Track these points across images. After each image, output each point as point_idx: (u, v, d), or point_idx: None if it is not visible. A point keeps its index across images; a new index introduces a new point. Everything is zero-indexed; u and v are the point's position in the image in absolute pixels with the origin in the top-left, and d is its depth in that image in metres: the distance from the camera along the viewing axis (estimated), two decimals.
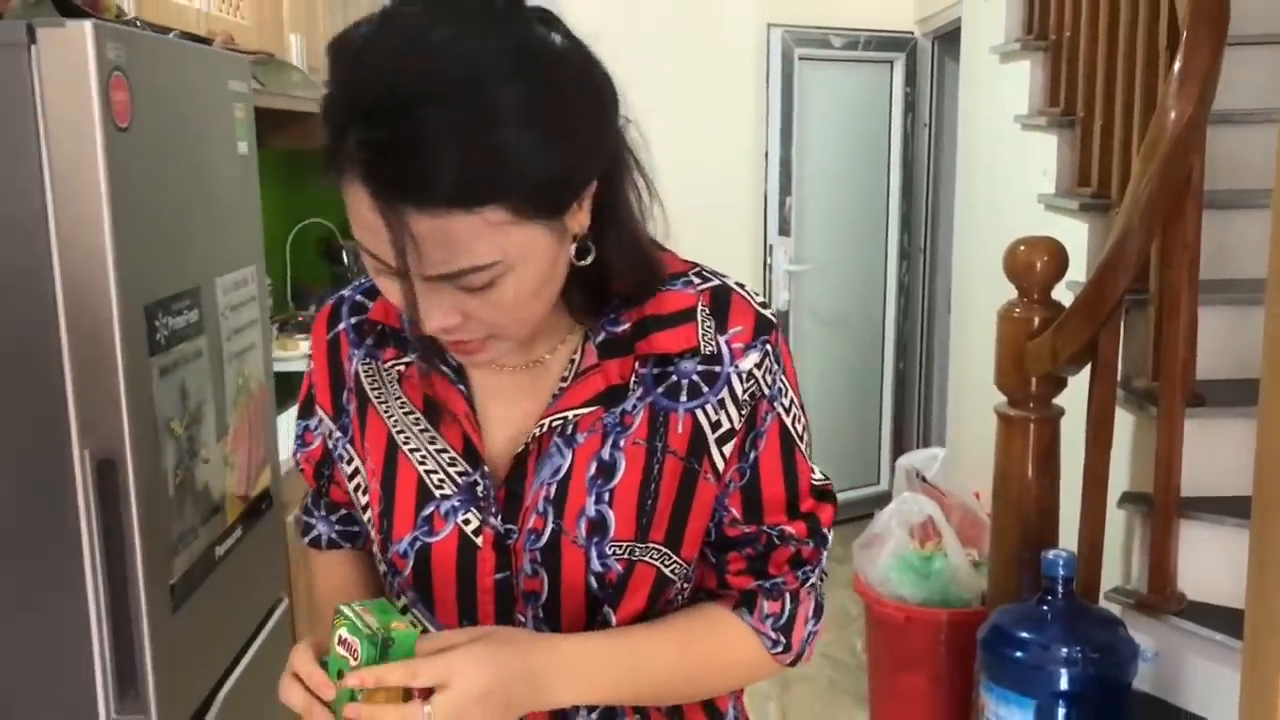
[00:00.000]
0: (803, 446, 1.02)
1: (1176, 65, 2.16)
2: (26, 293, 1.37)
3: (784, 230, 4.60)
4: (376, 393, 1.03)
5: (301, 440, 1.12)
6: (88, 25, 1.32)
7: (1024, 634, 2.09)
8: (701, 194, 4.55)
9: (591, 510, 0.97)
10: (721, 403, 0.98)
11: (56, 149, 1.33)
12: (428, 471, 0.99)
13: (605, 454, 0.97)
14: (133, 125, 1.40)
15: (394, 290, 0.87)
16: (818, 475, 1.04)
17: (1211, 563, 2.27)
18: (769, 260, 4.59)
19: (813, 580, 1.05)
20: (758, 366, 0.98)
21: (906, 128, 4.77)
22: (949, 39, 4.41)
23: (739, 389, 0.98)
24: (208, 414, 1.64)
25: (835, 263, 4.78)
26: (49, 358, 1.37)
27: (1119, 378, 2.44)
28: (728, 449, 0.99)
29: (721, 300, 0.99)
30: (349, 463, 1.05)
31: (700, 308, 0.98)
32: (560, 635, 0.97)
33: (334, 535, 1.14)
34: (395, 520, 1.00)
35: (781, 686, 3.39)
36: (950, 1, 4.08)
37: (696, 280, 1.00)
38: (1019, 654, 2.08)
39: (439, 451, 1.00)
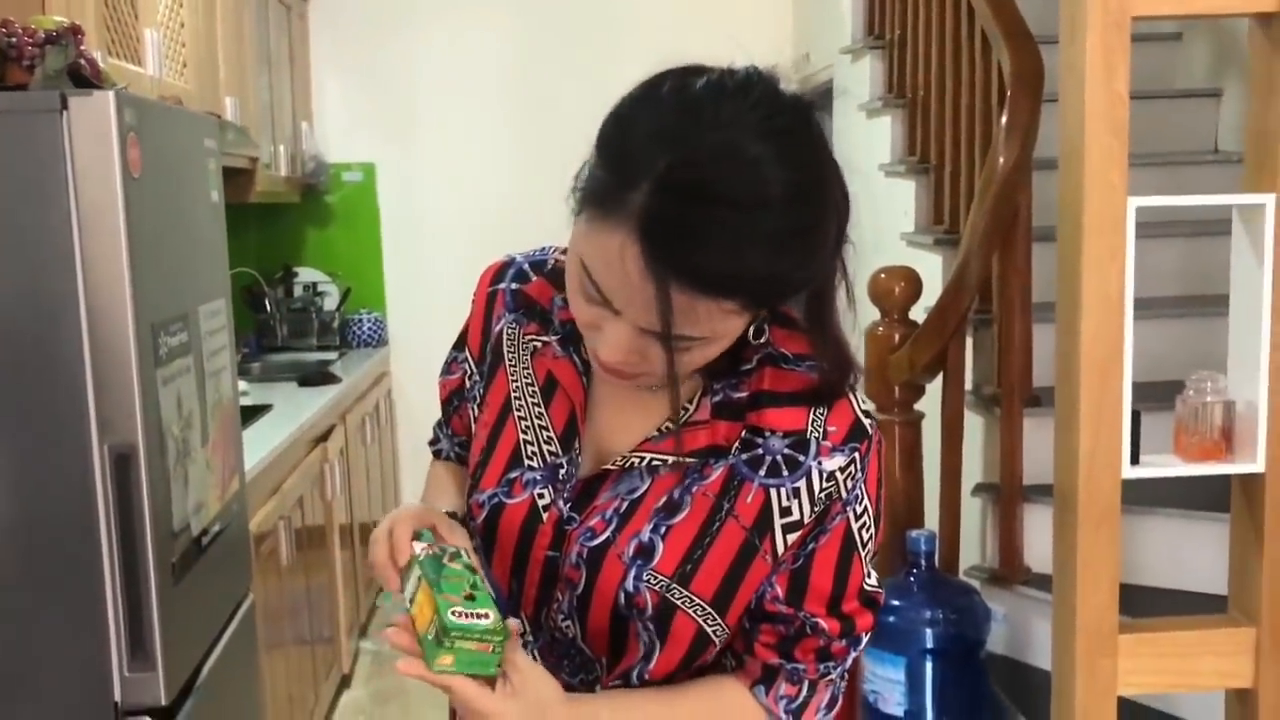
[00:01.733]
0: (863, 552, 1.02)
1: (1004, 119, 2.56)
2: (56, 312, 1.62)
3: None
4: (510, 356, 1.10)
5: (447, 368, 1.20)
6: (111, 95, 1.61)
7: (894, 602, 2.42)
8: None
9: (645, 536, 1.00)
10: (796, 492, 0.99)
11: (83, 195, 1.61)
12: (525, 440, 1.06)
13: (676, 494, 1.00)
14: (142, 176, 1.68)
15: (588, 314, 0.93)
16: (871, 582, 1.04)
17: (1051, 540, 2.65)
18: None
19: (833, 676, 1.06)
20: (841, 470, 0.99)
21: None
22: (825, 95, 4.82)
23: (817, 486, 0.99)
24: (195, 422, 1.91)
25: None
26: (74, 367, 1.63)
27: (970, 386, 2.83)
28: (792, 538, 1.00)
29: (832, 394, 1.01)
30: (478, 404, 1.12)
31: (813, 408, 1.00)
32: (594, 697, 1.03)
33: (455, 453, 1.23)
34: (486, 473, 1.07)
35: None
36: (824, 64, 4.50)
37: (815, 370, 1.01)
38: (890, 619, 2.42)
39: (541, 427, 1.06)
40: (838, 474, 0.98)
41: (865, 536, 1.02)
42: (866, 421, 1.01)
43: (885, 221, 3.63)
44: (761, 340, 1.00)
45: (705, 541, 1.00)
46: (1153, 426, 1.72)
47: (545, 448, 1.06)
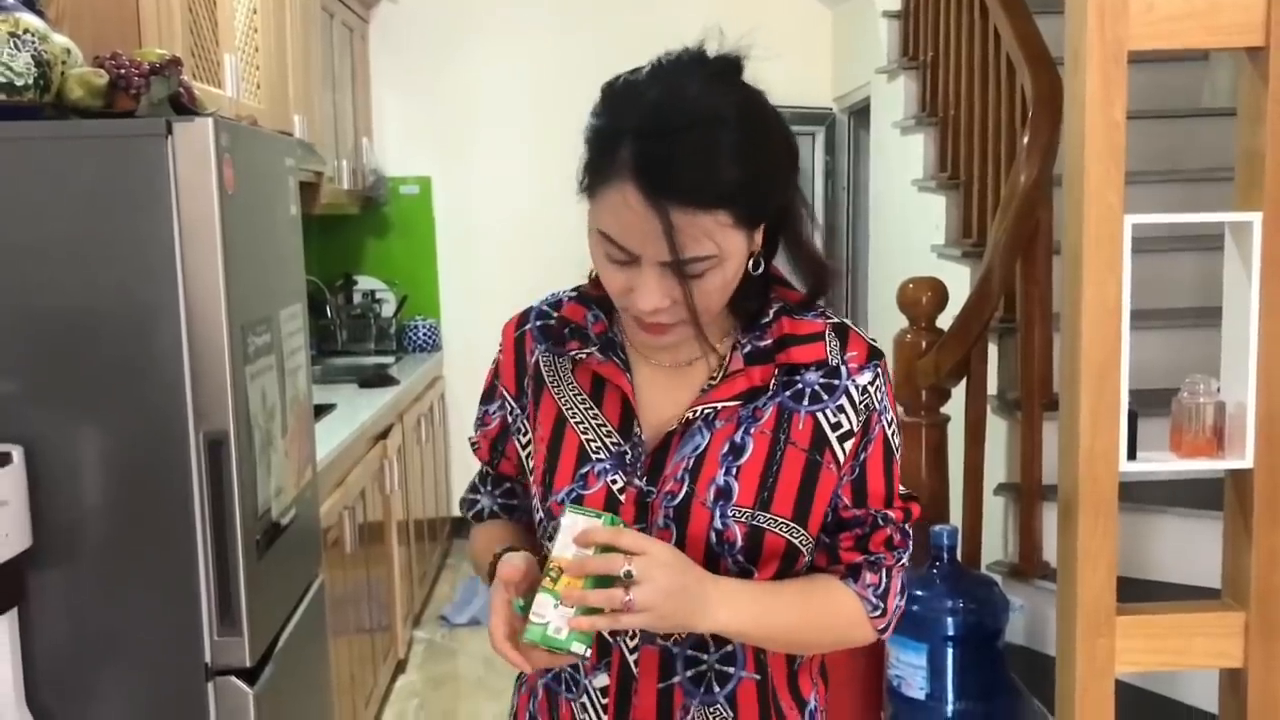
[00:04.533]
0: (898, 457, 1.25)
1: (1025, 138, 2.72)
2: (159, 313, 1.82)
3: None
4: (552, 379, 1.26)
5: (481, 421, 1.35)
6: (210, 121, 1.81)
7: (918, 592, 2.58)
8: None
9: (720, 480, 1.16)
10: (840, 408, 1.19)
11: (184, 209, 1.81)
12: (587, 440, 1.21)
13: (737, 438, 1.18)
14: (235, 192, 1.88)
15: (619, 279, 1.11)
16: (903, 488, 1.26)
17: None
18: None
19: (904, 561, 1.25)
20: (870, 384, 1.21)
21: (827, 191, 5.27)
22: (862, 113, 4.94)
23: (856, 398, 1.20)
24: (276, 415, 2.11)
25: None
26: (174, 362, 1.83)
27: (995, 391, 2.99)
28: (848, 445, 1.20)
29: (842, 331, 1.23)
30: (524, 435, 1.28)
31: (827, 332, 1.21)
32: (722, 578, 1.15)
33: (495, 507, 1.36)
34: (557, 475, 1.21)
35: None
36: (861, 83, 4.65)
37: (822, 316, 1.24)
38: (914, 608, 2.57)
39: (599, 426, 1.21)
40: (869, 388, 1.20)
41: (896, 442, 1.24)
42: (876, 344, 1.23)
43: (917, 234, 3.78)
44: (760, 270, 1.16)
45: (774, 470, 1.17)
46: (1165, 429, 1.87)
47: (607, 440, 1.20)
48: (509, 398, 1.30)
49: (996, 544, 2.93)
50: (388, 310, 4.94)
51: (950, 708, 2.52)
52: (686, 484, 1.17)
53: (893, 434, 1.24)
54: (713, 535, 1.16)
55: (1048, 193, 2.72)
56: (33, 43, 1.84)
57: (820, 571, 1.24)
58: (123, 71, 1.95)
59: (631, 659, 1.20)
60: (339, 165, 4.26)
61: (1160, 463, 1.87)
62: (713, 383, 1.20)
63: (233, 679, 1.90)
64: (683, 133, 1.03)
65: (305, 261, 2.34)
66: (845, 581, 1.22)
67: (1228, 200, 1.89)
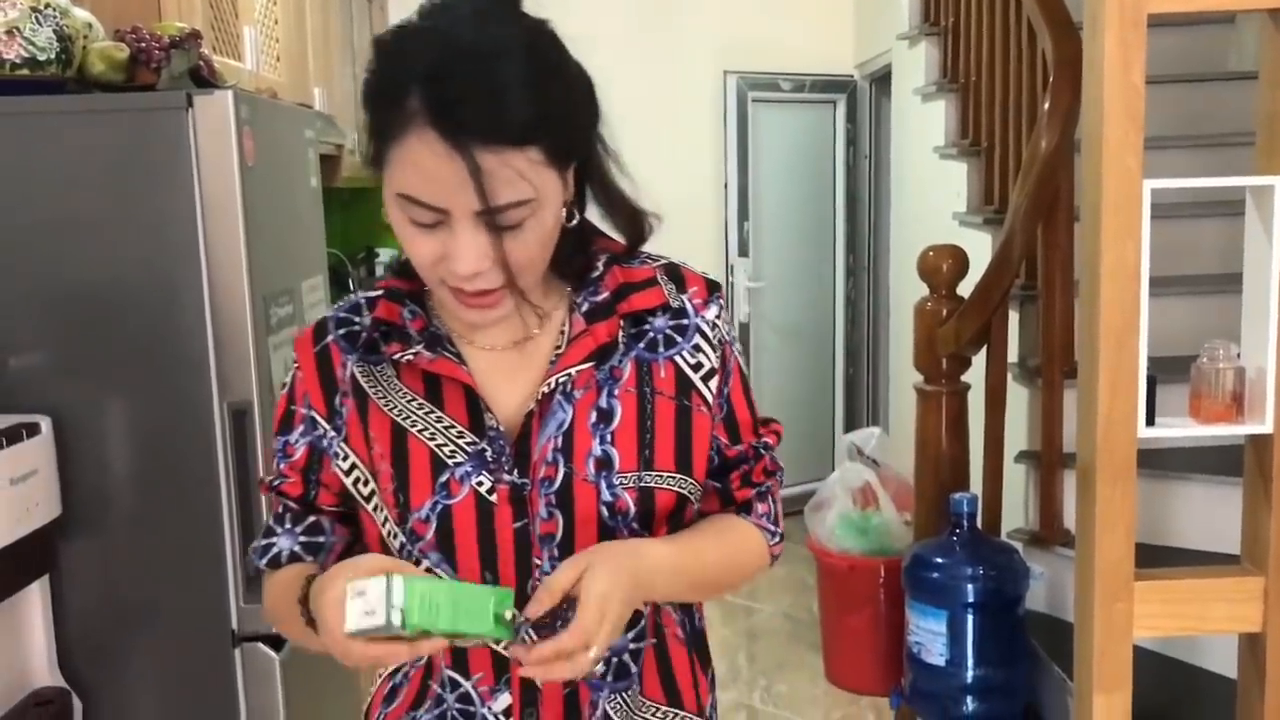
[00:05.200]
0: (750, 384, 1.23)
1: (1046, 103, 2.70)
2: (182, 285, 1.85)
3: (743, 251, 5.03)
4: (375, 390, 1.12)
5: (284, 454, 1.17)
6: (229, 94, 1.82)
7: (938, 559, 2.60)
8: (668, 220, 5.08)
9: (597, 450, 1.09)
10: (697, 347, 1.15)
11: (206, 181, 1.83)
12: (438, 445, 1.09)
13: (603, 402, 1.11)
14: (255, 165, 1.90)
15: (429, 246, 1.00)
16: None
17: None
18: (730, 279, 5.02)
19: (782, 481, 1.25)
20: (717, 317, 1.17)
21: (849, 159, 5.24)
22: (883, 81, 4.90)
23: (709, 334, 1.16)
24: None
25: (789, 280, 5.20)
26: (198, 333, 1.86)
27: (1016, 358, 2.98)
28: (713, 384, 1.16)
29: (674, 271, 1.18)
30: (344, 459, 1.13)
31: (659, 275, 1.17)
32: (643, 541, 1.09)
33: (296, 548, 1.17)
34: (412, 492, 1.08)
35: (749, 638, 3.89)
36: (883, 49, 4.62)
37: (649, 261, 1.19)
38: (934, 575, 2.59)
39: (446, 428, 1.10)
40: (717, 321, 1.17)
41: (747, 370, 1.22)
42: (711, 276, 1.20)
43: (939, 201, 3.77)
44: (575, 221, 1.09)
45: (649, 425, 1.12)
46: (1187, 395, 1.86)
47: (460, 442, 1.09)
48: (320, 419, 1.15)
49: (1017, 511, 2.93)
50: None
51: (970, 674, 2.54)
52: (562, 465, 1.09)
53: (744, 363, 1.22)
54: (604, 510, 1.09)
55: (1069, 158, 2.70)
56: (55, 17, 1.86)
57: (712, 514, 1.21)
58: (143, 45, 1.96)
59: None
60: (359, 138, 4.27)
61: (1179, 429, 1.86)
62: (559, 351, 1.12)
63: (259, 645, 1.94)
64: (472, 69, 0.96)
65: (327, 234, 2.35)
66: (741, 516, 1.21)
67: (1253, 165, 1.87)
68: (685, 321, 1.16)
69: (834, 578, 3.32)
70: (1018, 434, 2.92)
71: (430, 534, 1.08)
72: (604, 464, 1.10)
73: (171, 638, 1.94)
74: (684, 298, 1.16)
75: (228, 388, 1.88)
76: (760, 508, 1.22)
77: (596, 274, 1.14)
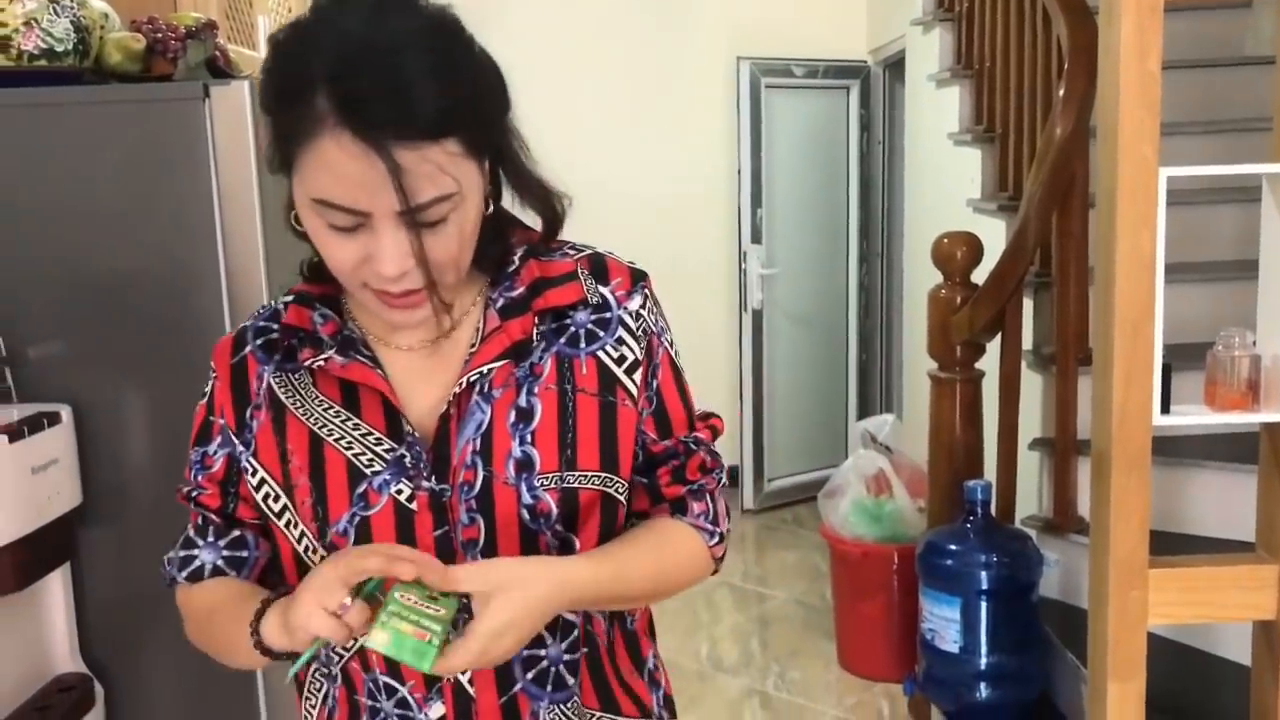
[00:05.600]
0: (685, 376, 1.18)
1: (1061, 90, 2.69)
2: (200, 274, 1.86)
3: (756, 238, 5.01)
4: (291, 400, 1.09)
5: (202, 465, 1.15)
6: (246, 83, 1.83)
7: (951, 546, 2.60)
8: (682, 207, 5.11)
9: (517, 451, 1.05)
10: (620, 340, 1.11)
11: (223, 171, 1.84)
12: (355, 455, 1.06)
13: (522, 401, 1.07)
14: None
15: (349, 250, 0.96)
16: (698, 406, 1.19)
17: None
18: (744, 265, 5.01)
19: (722, 480, 1.18)
20: (642, 307, 1.13)
21: (862, 145, 5.22)
22: (897, 67, 4.89)
23: (633, 326, 1.12)
24: None
25: (802, 266, 5.19)
26: (214, 321, 1.87)
27: (1031, 346, 2.98)
28: (637, 377, 1.12)
29: (598, 262, 1.14)
30: (254, 474, 1.10)
31: (579, 270, 1.12)
32: (562, 563, 1.03)
33: (219, 562, 1.14)
34: (330, 504, 1.05)
35: (762, 625, 3.90)
36: (896, 35, 4.60)
37: (571, 251, 1.14)
38: (948, 562, 2.60)
39: (363, 435, 1.06)
40: (641, 311, 1.12)
41: (680, 363, 1.17)
42: (637, 266, 1.16)
43: (953, 188, 3.76)
44: (491, 209, 1.05)
45: (570, 424, 1.07)
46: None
47: (378, 449, 1.06)
48: (230, 433, 1.12)
49: (1031, 499, 2.93)
50: None
51: (983, 661, 2.54)
52: (481, 468, 1.05)
53: (675, 353, 1.17)
54: (525, 513, 1.05)
55: (1084, 145, 2.69)
56: (72, 9, 1.87)
57: (643, 516, 1.16)
58: (159, 36, 1.97)
59: (464, 679, 1.08)
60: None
61: (1194, 417, 1.86)
62: (473, 350, 1.08)
63: None
64: (377, 65, 0.91)
65: None
66: (675, 518, 1.15)
67: (1269, 152, 1.87)
68: (608, 315, 1.12)
69: (847, 564, 3.33)
70: (1032, 421, 2.92)
71: (349, 547, 1.04)
72: (524, 465, 1.06)
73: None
74: (605, 290, 1.12)
75: None
76: (696, 506, 1.16)
77: (513, 268, 1.11)
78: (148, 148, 1.83)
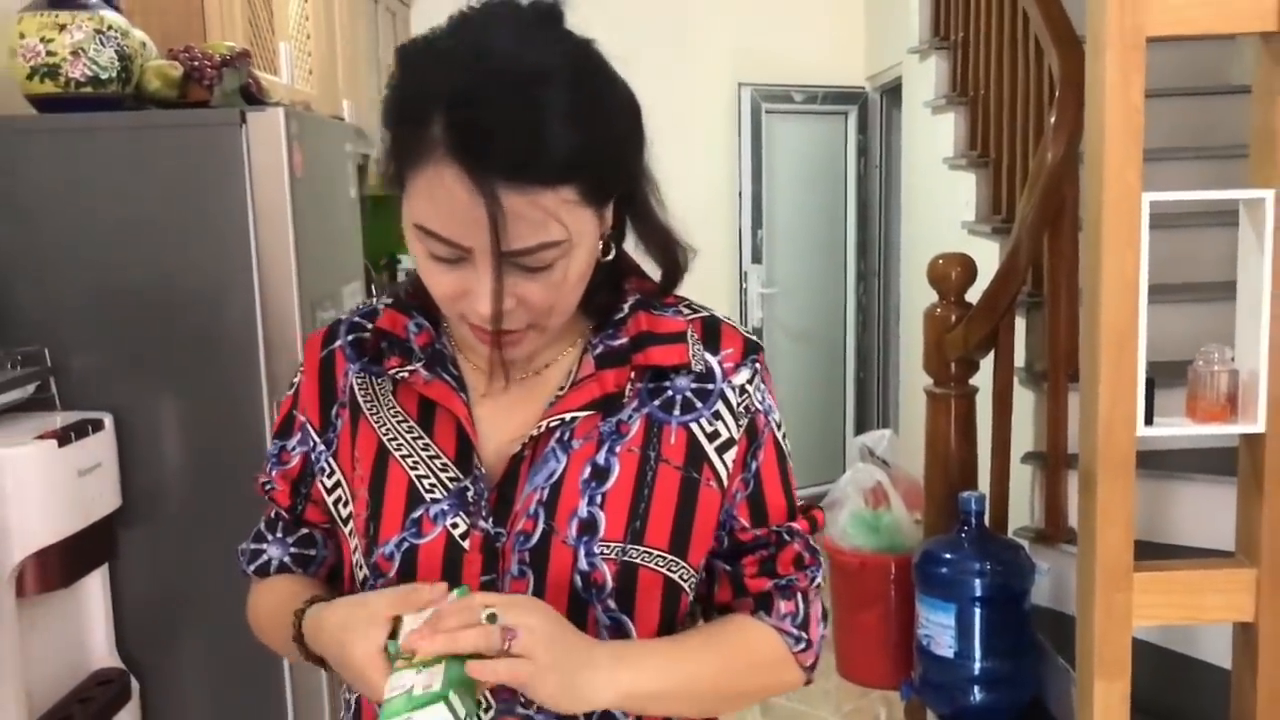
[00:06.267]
0: (790, 461, 1.07)
1: (1052, 117, 2.80)
2: (236, 288, 1.97)
3: (756, 258, 5.15)
4: (369, 404, 1.04)
5: (278, 459, 1.11)
6: (280, 110, 1.94)
7: (947, 555, 2.69)
8: (685, 227, 5.23)
9: (583, 511, 0.97)
10: (717, 414, 1.02)
11: (258, 192, 1.94)
12: (418, 476, 1.00)
13: (600, 459, 0.99)
14: (304, 176, 2.02)
15: (447, 282, 0.91)
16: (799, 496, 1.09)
17: None
18: (744, 284, 5.15)
19: (818, 581, 1.07)
20: (749, 382, 1.04)
21: (860, 169, 5.34)
22: (894, 93, 4.99)
23: (734, 401, 1.03)
24: None
25: (801, 285, 5.32)
26: (249, 333, 1.97)
27: (1023, 363, 3.08)
28: (729, 457, 1.02)
29: (711, 327, 1.06)
30: (329, 475, 1.06)
31: (690, 333, 1.04)
32: (617, 648, 0.96)
33: (286, 559, 1.12)
34: (383, 523, 1.00)
35: None
36: (893, 62, 4.72)
37: (686, 311, 1.06)
38: (944, 570, 2.68)
39: (431, 457, 1.00)
40: (747, 386, 1.03)
41: (788, 447, 1.08)
42: (752, 337, 1.07)
43: (948, 211, 3.87)
44: (611, 255, 0.98)
45: (645, 494, 0.99)
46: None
47: (442, 475, 1.00)
48: (311, 431, 1.08)
49: (1023, 510, 3.03)
50: None
51: (977, 665, 2.63)
52: (542, 520, 0.97)
53: (784, 437, 1.08)
54: (577, 579, 0.97)
55: (1074, 170, 2.79)
56: (116, 38, 1.97)
57: (724, 608, 1.06)
58: (196, 64, 2.08)
59: None
60: (381, 153, 4.40)
61: (1176, 428, 1.97)
62: (560, 393, 1.01)
63: None
64: (505, 95, 0.84)
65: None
66: (757, 616, 1.04)
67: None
68: (710, 386, 1.03)
69: (846, 575, 3.42)
70: (1024, 436, 3.02)
71: (393, 573, 0.98)
72: (587, 527, 0.97)
73: (222, 622, 2.04)
74: (713, 359, 1.04)
75: (277, 386, 1.99)
76: (783, 606, 1.04)
77: (621, 315, 1.03)
78: (187, 170, 1.94)
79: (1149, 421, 1.93)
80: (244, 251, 1.95)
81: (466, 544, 0.98)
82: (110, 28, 1.97)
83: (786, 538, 1.05)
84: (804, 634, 1.05)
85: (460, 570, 0.98)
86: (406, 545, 0.98)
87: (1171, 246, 2.97)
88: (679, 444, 1.01)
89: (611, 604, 0.98)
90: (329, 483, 1.06)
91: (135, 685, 2.00)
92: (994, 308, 2.79)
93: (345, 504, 1.05)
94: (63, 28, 1.92)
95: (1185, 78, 3.49)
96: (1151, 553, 1.96)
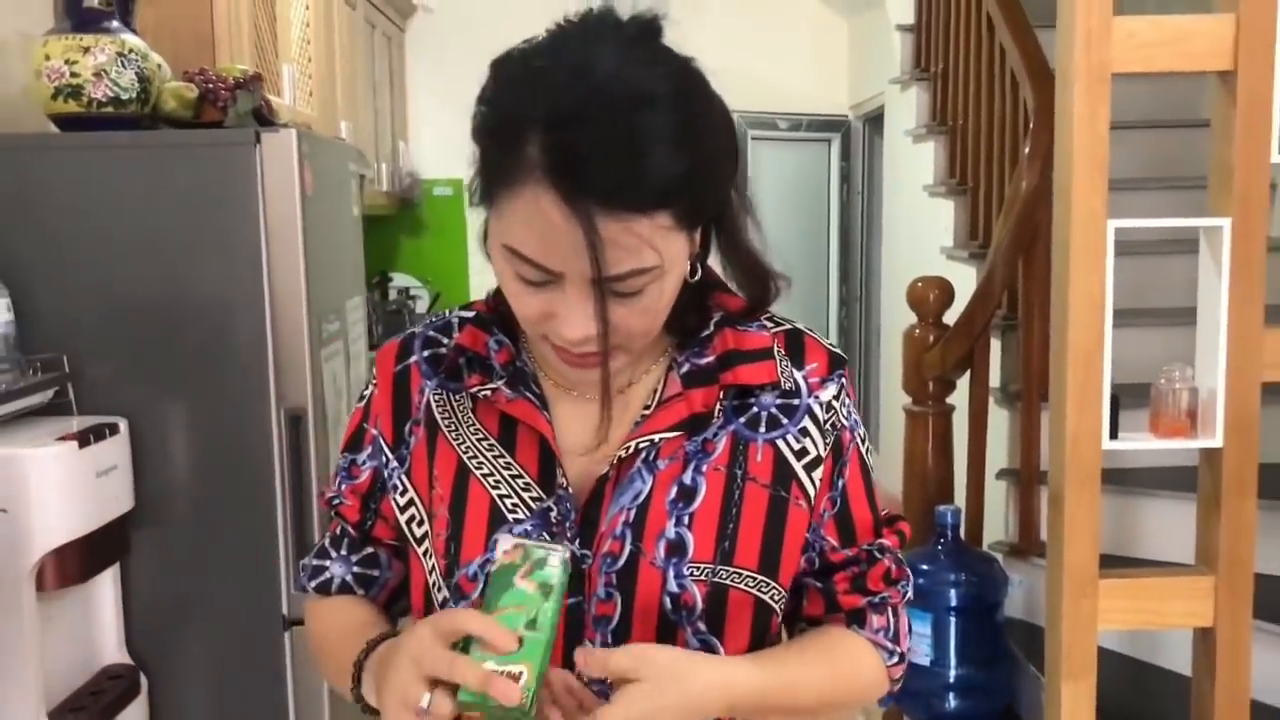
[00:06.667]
0: (874, 477, 1.06)
1: (1027, 147, 2.93)
2: (247, 302, 2.05)
3: None
4: (447, 421, 1.02)
5: (348, 474, 1.09)
6: (293, 131, 2.04)
7: (924, 566, 2.79)
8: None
9: (671, 532, 0.96)
10: (804, 431, 1.00)
11: (270, 210, 2.03)
12: (501, 496, 0.98)
13: (686, 478, 0.97)
14: (313, 195, 2.11)
15: (535, 303, 0.89)
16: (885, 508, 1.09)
17: None
18: None
19: (909, 594, 1.07)
20: (835, 398, 1.01)
21: (843, 195, 5.48)
22: (876, 121, 5.13)
23: (821, 417, 1.01)
24: (344, 393, 2.34)
25: (784, 308, 5.38)
26: (260, 345, 2.05)
27: (999, 384, 3.20)
28: (817, 475, 1.00)
29: (795, 340, 1.03)
30: (403, 493, 1.04)
31: (775, 348, 1.01)
32: (723, 660, 0.95)
33: (349, 578, 1.09)
34: (465, 543, 0.98)
35: None
36: (876, 92, 4.86)
37: (770, 325, 1.03)
38: (920, 581, 2.78)
39: (513, 477, 0.99)
40: (834, 403, 1.01)
41: (871, 461, 1.07)
42: (837, 350, 1.05)
43: (928, 236, 3.99)
44: (698, 276, 0.97)
45: (733, 513, 0.97)
46: None
47: (525, 495, 0.98)
48: (385, 446, 1.06)
49: (998, 525, 3.14)
50: (421, 306, 5.17)
51: (952, 673, 2.73)
52: (629, 541, 0.96)
53: (868, 452, 1.06)
54: (667, 601, 0.95)
55: (1048, 197, 2.83)
56: (136, 61, 2.07)
57: (814, 621, 1.06)
58: (210, 86, 2.18)
59: None
60: (378, 168, 4.50)
61: (1139, 443, 2.08)
62: (646, 412, 0.99)
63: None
64: (606, 118, 0.82)
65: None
66: (853, 629, 1.05)
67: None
68: (796, 401, 1.01)
69: None
70: (999, 453, 3.13)
71: (475, 594, 0.96)
72: (676, 548, 0.96)
73: (227, 621, 2.13)
74: (799, 375, 1.01)
75: (285, 395, 2.07)
76: (876, 620, 1.05)
77: (707, 333, 1.01)
78: (202, 187, 2.03)
79: (1114, 436, 2.04)
80: (255, 266, 2.04)
81: None
82: (131, 51, 2.07)
83: (878, 555, 1.04)
84: (896, 647, 1.06)
85: None
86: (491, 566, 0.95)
87: (1142, 273, 3.09)
88: (765, 462, 0.99)
89: (701, 626, 0.96)
90: (402, 500, 1.04)
91: (144, 681, 2.07)
92: (970, 329, 2.90)
93: (420, 523, 1.03)
94: (86, 50, 2.02)
95: (1161, 111, 3.63)
96: (1119, 566, 2.06)
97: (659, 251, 0.86)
